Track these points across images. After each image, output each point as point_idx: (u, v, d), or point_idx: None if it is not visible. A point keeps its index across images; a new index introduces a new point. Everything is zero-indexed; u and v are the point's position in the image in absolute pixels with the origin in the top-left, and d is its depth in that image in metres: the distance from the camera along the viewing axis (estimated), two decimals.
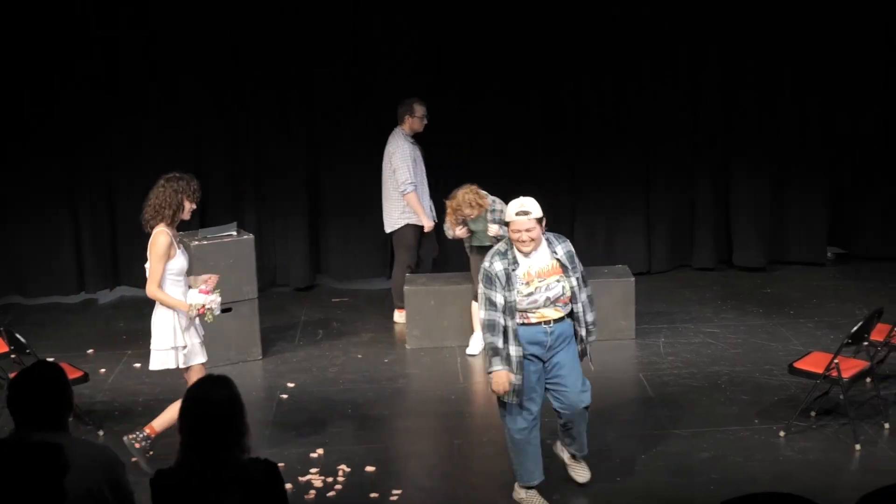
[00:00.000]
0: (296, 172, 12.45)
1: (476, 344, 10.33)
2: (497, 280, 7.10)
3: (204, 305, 7.76)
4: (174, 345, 7.86)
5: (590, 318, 7.35)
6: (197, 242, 9.99)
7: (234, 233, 10.35)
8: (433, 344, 10.57)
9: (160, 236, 7.73)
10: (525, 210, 7.09)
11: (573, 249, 7.29)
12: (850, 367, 8.54)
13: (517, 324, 7.13)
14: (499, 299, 7.10)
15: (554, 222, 11.45)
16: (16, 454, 4.32)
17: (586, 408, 7.40)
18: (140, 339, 10.49)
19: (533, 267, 7.12)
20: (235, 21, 12.09)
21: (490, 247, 9.29)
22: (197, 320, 7.90)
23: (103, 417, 9.04)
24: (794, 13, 12.43)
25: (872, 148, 12.92)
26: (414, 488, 7.85)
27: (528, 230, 7.06)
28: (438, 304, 10.59)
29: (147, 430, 8.04)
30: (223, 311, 7.99)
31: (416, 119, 10.99)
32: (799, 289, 12.11)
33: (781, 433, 8.49)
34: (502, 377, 7.06)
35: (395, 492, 7.74)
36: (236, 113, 12.35)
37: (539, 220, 7.11)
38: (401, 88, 11.68)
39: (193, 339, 7.94)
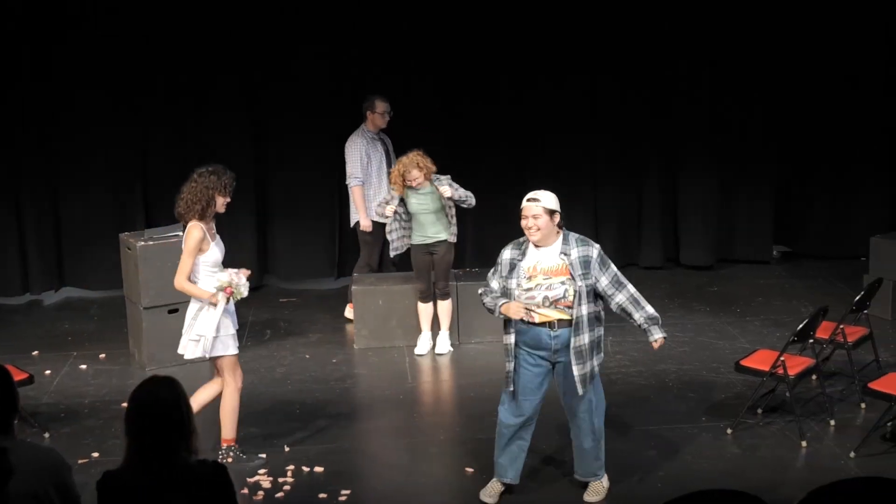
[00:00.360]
0: (243, 172, 12.36)
1: (424, 344, 10.36)
2: (499, 266, 7.19)
3: (231, 284, 7.83)
4: (206, 334, 7.91)
5: (638, 317, 7.15)
6: (143, 243, 9.93)
7: (180, 233, 10.23)
8: (381, 344, 10.56)
9: (193, 230, 7.87)
10: (535, 197, 7.07)
11: (595, 256, 7.06)
12: (796, 364, 8.62)
13: (521, 322, 7.10)
14: (493, 284, 7.21)
15: (500, 221, 11.57)
16: None
17: (593, 428, 7.36)
18: (85, 340, 10.44)
19: (541, 263, 7.06)
20: (181, 17, 12.00)
21: (435, 243, 9.31)
22: (232, 307, 7.92)
23: (49, 419, 8.94)
24: (741, 14, 12.52)
25: (817, 148, 13.05)
26: (363, 488, 7.83)
27: (534, 216, 7.01)
28: (387, 304, 10.57)
29: (224, 444, 8.13)
30: (249, 290, 8.05)
31: (377, 115, 10.95)
32: (745, 287, 12.21)
33: (729, 430, 8.54)
34: (511, 306, 7.06)
35: (344, 492, 7.72)
36: (183, 112, 12.27)
37: (550, 212, 7.03)
38: (348, 88, 11.67)
39: (228, 330, 7.96)
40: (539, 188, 7.24)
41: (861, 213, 13.01)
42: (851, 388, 9.14)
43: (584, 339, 7.05)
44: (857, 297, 9.17)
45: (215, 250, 7.95)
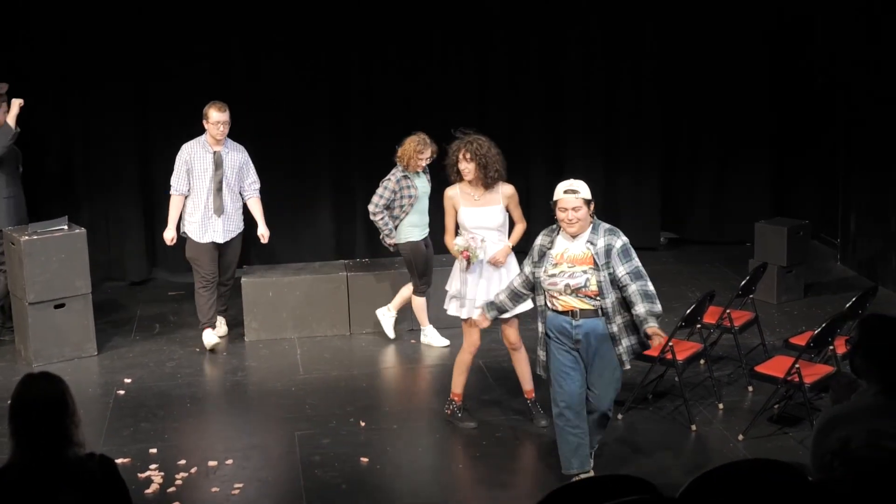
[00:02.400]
0: (128, 164, 12.25)
1: (435, 334, 10.29)
2: (532, 252, 7.27)
3: (467, 248, 8.19)
4: (452, 293, 8.46)
5: (640, 308, 7.05)
6: (27, 237, 9.77)
7: (66, 227, 10.14)
8: (271, 336, 10.51)
9: (445, 193, 8.40)
10: (573, 189, 7.07)
11: (618, 246, 7.05)
12: (685, 349, 8.76)
13: (548, 308, 7.18)
14: (526, 269, 7.34)
15: None
16: None
17: (607, 413, 7.41)
18: None
19: (569, 251, 7.06)
20: (74, 11, 11.82)
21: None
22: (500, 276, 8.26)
23: None
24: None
25: (701, 137, 13.25)
26: (256, 481, 7.80)
27: (574, 209, 7.02)
28: (276, 296, 10.53)
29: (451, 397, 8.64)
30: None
31: (209, 125, 10.05)
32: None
33: (619, 416, 8.63)
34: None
35: (237, 485, 7.69)
36: (68, 105, 12.08)
37: (587, 202, 7.05)
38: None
39: (467, 295, 8.35)
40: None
41: (745, 199, 13.22)
42: (739, 372, 9.30)
43: (614, 325, 7.13)
44: (743, 282, 9.34)
45: (467, 213, 8.30)
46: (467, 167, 8.23)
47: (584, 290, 7.03)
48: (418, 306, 10.18)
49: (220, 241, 10.22)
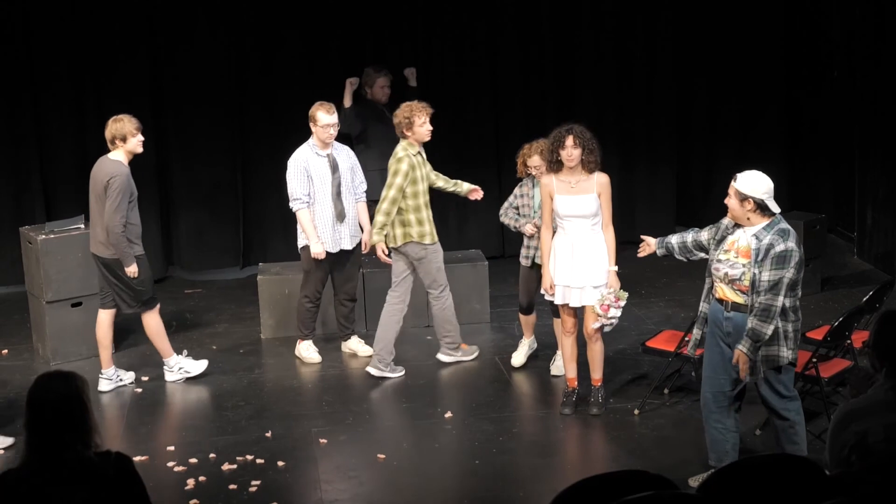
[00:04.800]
0: (145, 163, 12.24)
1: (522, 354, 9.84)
2: (718, 227, 7.20)
3: (603, 301, 8.31)
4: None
5: (749, 323, 6.86)
6: (44, 236, 9.79)
7: (82, 226, 10.16)
8: (288, 333, 10.51)
9: (541, 181, 8.53)
10: (735, 176, 7.05)
11: (775, 251, 6.77)
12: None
13: (712, 295, 7.17)
14: (704, 234, 7.33)
15: None
16: None
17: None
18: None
19: (739, 241, 6.98)
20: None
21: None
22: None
23: None
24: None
25: (716, 132, 13.22)
26: (272, 477, 7.82)
27: (728, 194, 7.00)
28: (293, 293, 10.52)
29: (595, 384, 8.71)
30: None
31: (318, 128, 9.54)
32: (649, 269, 12.25)
33: (636, 412, 8.64)
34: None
35: (254, 482, 7.71)
36: (82, 103, 12.10)
37: (741, 196, 6.92)
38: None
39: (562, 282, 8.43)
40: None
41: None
42: (755, 368, 9.24)
43: (751, 322, 6.88)
44: None
45: (559, 202, 8.35)
46: (573, 153, 8.23)
47: (738, 282, 6.96)
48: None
49: (349, 247, 9.74)
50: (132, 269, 9.12)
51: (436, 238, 9.43)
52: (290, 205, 9.60)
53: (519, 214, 9.22)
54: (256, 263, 11.40)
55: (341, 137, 9.89)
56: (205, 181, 12.34)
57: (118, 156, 9.22)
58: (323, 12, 12.23)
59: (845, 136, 12.62)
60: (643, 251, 7.79)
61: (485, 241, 12.45)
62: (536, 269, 9.06)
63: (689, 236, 7.47)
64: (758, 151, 13.02)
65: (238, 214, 12.51)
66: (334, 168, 9.56)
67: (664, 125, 13.07)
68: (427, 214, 9.33)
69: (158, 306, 9.54)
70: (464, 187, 9.69)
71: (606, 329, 8.44)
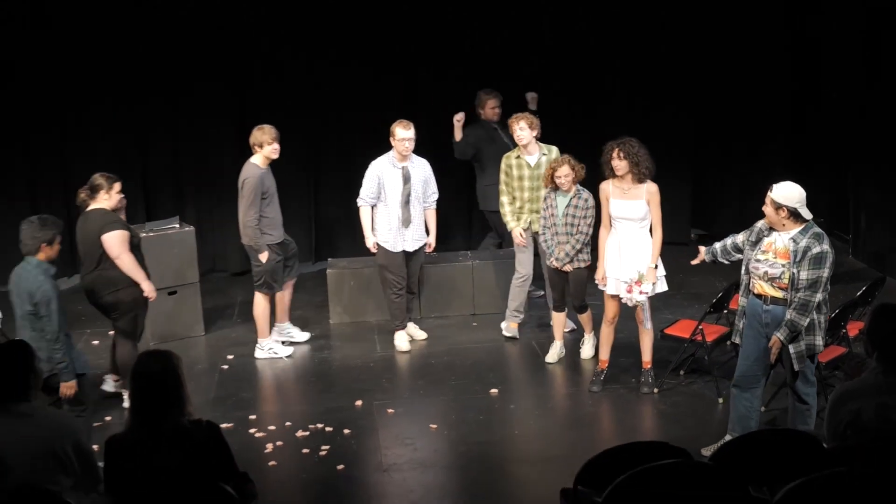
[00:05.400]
0: (230, 169, 12.27)
1: (555, 352, 9.47)
2: (753, 230, 7.14)
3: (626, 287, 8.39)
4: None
5: (788, 315, 6.85)
6: (144, 234, 9.84)
7: (177, 225, 10.26)
8: (353, 319, 10.53)
9: (600, 186, 8.56)
10: (771, 187, 6.98)
11: (812, 252, 6.76)
12: (713, 332, 8.70)
13: (750, 290, 7.11)
14: (740, 237, 7.27)
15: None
16: None
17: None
18: (97, 319, 10.28)
19: (776, 243, 6.93)
20: (169, 22, 11.81)
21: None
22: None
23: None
24: (659, 18, 12.57)
25: (729, 145, 13.08)
26: (339, 443, 7.86)
27: (765, 203, 6.95)
28: (357, 285, 10.55)
29: (645, 367, 8.71)
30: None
31: (396, 141, 9.42)
32: (667, 266, 12.16)
33: (655, 390, 8.59)
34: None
35: (323, 447, 7.74)
36: (175, 119, 12.15)
37: (776, 205, 6.87)
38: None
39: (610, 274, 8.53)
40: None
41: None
42: None
43: (789, 314, 6.85)
44: None
45: (613, 204, 8.44)
46: (619, 164, 8.27)
47: (777, 280, 6.91)
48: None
49: (410, 249, 9.64)
50: (263, 257, 9.32)
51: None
52: (357, 200, 9.67)
53: (545, 226, 9.10)
54: (326, 259, 11.41)
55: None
56: (281, 186, 12.32)
57: (256, 159, 9.40)
58: (389, 40, 12.19)
59: (841, 149, 12.48)
60: (696, 260, 7.75)
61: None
62: (560, 271, 9.04)
63: (729, 241, 7.43)
64: (764, 163, 12.88)
65: (310, 215, 12.50)
66: (406, 179, 9.47)
67: (682, 139, 12.89)
68: (524, 206, 9.58)
69: (274, 294, 9.64)
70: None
71: (629, 304, 8.39)
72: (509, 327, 9.93)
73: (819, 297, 6.83)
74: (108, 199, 8.24)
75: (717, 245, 7.54)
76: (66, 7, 11.53)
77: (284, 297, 9.91)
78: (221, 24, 11.87)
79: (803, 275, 6.78)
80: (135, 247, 8.33)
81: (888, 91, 11.26)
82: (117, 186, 8.30)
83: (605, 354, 8.77)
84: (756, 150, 13.00)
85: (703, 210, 13.37)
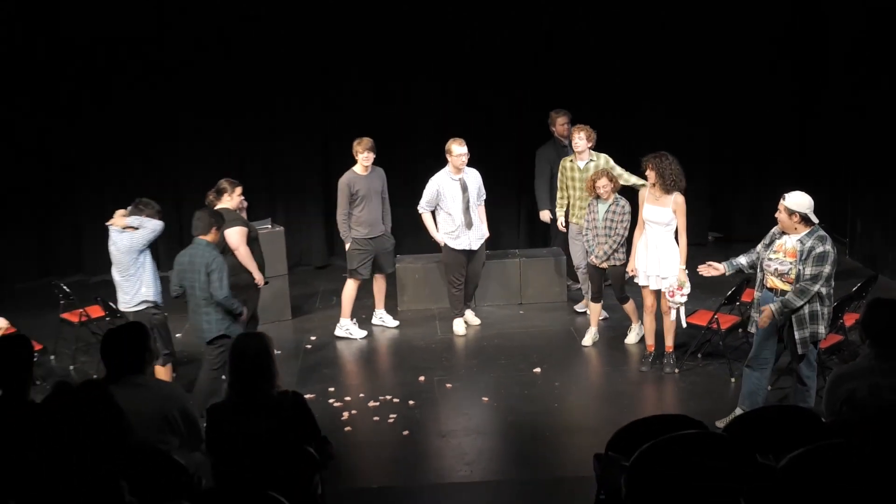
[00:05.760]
0: (313, 178, 12.35)
1: (591, 337, 9.39)
2: (767, 237, 7.10)
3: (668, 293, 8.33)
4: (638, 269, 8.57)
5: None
6: None
7: (269, 226, 10.34)
8: (418, 306, 10.56)
9: (640, 192, 8.57)
10: (784, 195, 6.92)
11: (816, 251, 6.72)
12: (727, 321, 8.62)
13: (763, 285, 7.06)
14: (757, 248, 7.19)
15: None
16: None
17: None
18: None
19: (786, 244, 6.92)
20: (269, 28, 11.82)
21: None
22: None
23: (177, 363, 8.83)
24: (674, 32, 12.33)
25: (743, 154, 12.83)
26: (405, 412, 7.89)
27: (778, 210, 6.91)
28: (422, 277, 10.58)
29: (668, 350, 8.59)
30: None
31: (452, 157, 9.41)
32: (687, 264, 12.10)
33: (676, 370, 8.53)
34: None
35: (391, 416, 7.78)
36: (273, 128, 12.17)
37: (789, 211, 6.83)
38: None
39: (644, 269, 8.48)
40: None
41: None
42: None
43: (804, 309, 6.82)
44: None
45: (647, 210, 8.39)
46: (650, 174, 8.29)
47: (786, 276, 6.90)
48: None
49: (475, 247, 9.63)
50: (346, 246, 9.62)
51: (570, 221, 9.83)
52: (418, 207, 9.65)
53: (587, 228, 9.01)
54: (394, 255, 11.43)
55: None
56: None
57: (357, 167, 9.56)
58: (448, 61, 12.10)
59: (840, 159, 12.28)
60: (711, 273, 7.50)
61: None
62: (598, 267, 8.97)
63: (754, 255, 7.29)
64: (773, 173, 12.69)
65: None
66: (464, 189, 9.46)
67: (699, 149, 12.60)
68: (574, 203, 9.69)
69: (362, 281, 9.70)
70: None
71: (674, 307, 8.33)
72: (581, 305, 10.17)
73: (818, 287, 6.77)
74: (230, 200, 8.36)
75: (743, 258, 7.35)
76: (177, 39, 11.69)
77: (380, 287, 9.96)
78: (307, 52, 11.91)
79: (807, 270, 6.76)
80: (252, 239, 8.42)
81: (882, 110, 11.05)
82: (239, 189, 8.46)
83: (650, 339, 8.77)
84: (765, 161, 12.76)
85: (719, 214, 13.16)
